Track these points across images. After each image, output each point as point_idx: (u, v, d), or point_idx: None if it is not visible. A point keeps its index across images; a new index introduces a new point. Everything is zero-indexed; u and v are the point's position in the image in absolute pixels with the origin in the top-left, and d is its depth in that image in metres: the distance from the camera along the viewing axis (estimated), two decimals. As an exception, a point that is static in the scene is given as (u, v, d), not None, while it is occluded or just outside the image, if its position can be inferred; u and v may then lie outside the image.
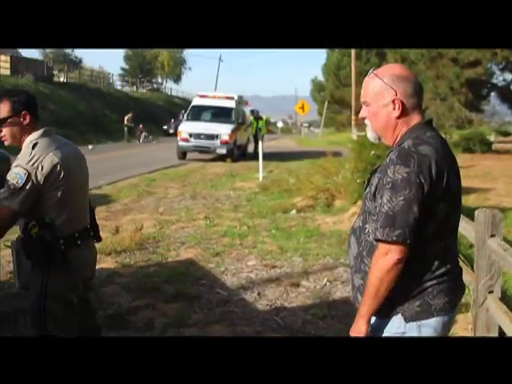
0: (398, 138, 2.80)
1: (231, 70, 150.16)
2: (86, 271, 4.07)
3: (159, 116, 57.55)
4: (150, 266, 8.30)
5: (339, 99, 57.85)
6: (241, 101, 30.84)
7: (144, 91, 72.29)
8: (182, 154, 27.15)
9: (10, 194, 3.61)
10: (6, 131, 3.83)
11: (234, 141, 27.04)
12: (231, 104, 28.64)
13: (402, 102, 2.75)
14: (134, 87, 71.26)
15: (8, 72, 42.06)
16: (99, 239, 4.26)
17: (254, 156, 24.15)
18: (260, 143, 20.51)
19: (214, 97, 29.72)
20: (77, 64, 62.11)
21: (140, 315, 6.30)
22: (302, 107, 43.31)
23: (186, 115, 29.63)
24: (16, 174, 3.63)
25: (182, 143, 26.94)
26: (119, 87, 67.43)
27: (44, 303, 3.77)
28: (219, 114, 28.03)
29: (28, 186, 3.62)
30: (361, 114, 2.92)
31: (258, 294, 7.09)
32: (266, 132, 31.07)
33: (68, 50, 71.83)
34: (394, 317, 2.77)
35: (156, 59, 77.97)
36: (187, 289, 7.13)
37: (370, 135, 2.95)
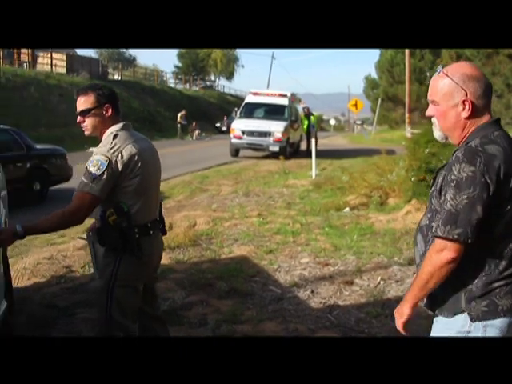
0: (466, 137, 2.76)
1: (284, 67, 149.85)
2: (155, 261, 4.24)
3: (212, 113, 57.86)
4: (203, 262, 8.35)
5: (393, 96, 57.33)
6: (294, 98, 30.76)
7: (197, 89, 72.73)
8: (235, 152, 27.23)
9: (90, 180, 3.76)
10: (88, 121, 3.99)
11: (287, 138, 26.99)
12: (284, 101, 28.57)
13: (472, 103, 2.70)
14: (187, 85, 71.75)
15: (64, 70, 42.80)
16: (164, 232, 4.39)
17: (307, 153, 24.06)
18: (313, 141, 20.42)
19: (267, 94, 29.71)
20: (131, 62, 62.75)
21: (193, 311, 6.34)
22: (355, 105, 43.07)
23: (239, 112, 29.66)
24: (97, 161, 3.78)
25: (234, 140, 27.01)
26: (172, 85, 68.00)
27: (112, 288, 3.93)
28: (272, 112, 27.99)
29: (108, 173, 3.78)
30: (427, 113, 2.87)
31: (312, 291, 7.08)
32: (319, 129, 30.91)
33: (122, 49, 72.70)
34: (459, 315, 2.74)
35: (209, 57, 78.23)
36: (240, 285, 7.16)
37: (437, 134, 2.90)
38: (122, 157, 3.85)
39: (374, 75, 65.06)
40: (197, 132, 41.70)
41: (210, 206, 13.11)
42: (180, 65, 79.86)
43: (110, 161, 3.80)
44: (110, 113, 4.01)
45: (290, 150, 27.44)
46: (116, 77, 55.21)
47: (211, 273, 7.70)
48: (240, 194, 15.06)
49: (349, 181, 14.48)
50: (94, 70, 45.85)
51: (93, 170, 3.76)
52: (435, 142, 10.61)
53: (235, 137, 26.99)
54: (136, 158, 3.92)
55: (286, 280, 7.54)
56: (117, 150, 3.86)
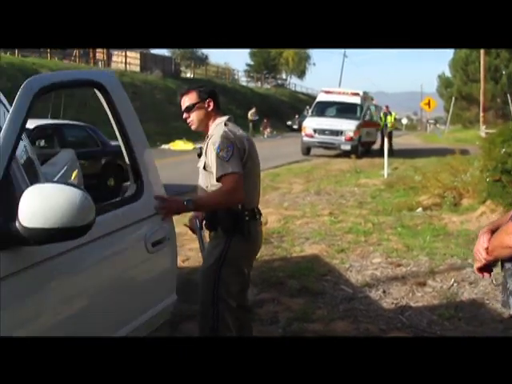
0: None
1: (356, 65, 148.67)
2: (258, 246, 4.52)
3: (283, 112, 57.92)
4: (274, 260, 8.37)
5: (467, 95, 56.35)
6: (366, 97, 30.54)
7: (268, 87, 72.94)
8: (307, 150, 27.22)
9: (226, 162, 3.99)
10: (193, 116, 4.29)
11: (359, 137, 26.84)
12: (356, 100, 28.43)
13: None
14: (259, 83, 72.00)
15: (137, 68, 43.51)
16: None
17: (381, 152, 23.83)
18: (386, 140, 20.23)
19: (340, 93, 29.62)
20: (203, 60, 63.31)
21: (265, 308, 6.37)
22: (428, 103, 42.42)
23: (310, 111, 29.64)
24: (223, 144, 4.02)
25: (306, 139, 27.00)
26: (244, 83, 68.32)
27: (220, 267, 4.16)
28: (344, 110, 27.89)
29: (237, 154, 4.04)
30: None
31: (383, 291, 7.02)
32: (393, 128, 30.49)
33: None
34: None
35: (280, 55, 78.28)
36: (311, 284, 7.14)
37: None
38: (236, 142, 4.09)
39: (448, 74, 64.03)
40: (268, 130, 41.82)
41: (282, 204, 13.13)
42: (252, 63, 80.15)
43: (232, 142, 4.05)
44: (212, 106, 4.28)
45: (362, 149, 27.27)
46: (188, 75, 55.81)
47: (282, 271, 7.71)
48: (311, 192, 15.03)
49: (421, 180, 14.29)
50: (167, 68, 46.45)
51: (222, 153, 4.00)
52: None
53: (307, 135, 26.98)
54: (246, 145, 4.19)
55: (358, 280, 7.50)
56: (231, 134, 4.12)
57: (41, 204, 2.53)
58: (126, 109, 3.65)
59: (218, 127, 4.20)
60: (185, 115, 4.31)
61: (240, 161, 4.06)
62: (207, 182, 4.21)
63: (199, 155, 4.38)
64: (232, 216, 4.15)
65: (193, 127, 4.37)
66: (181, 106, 4.31)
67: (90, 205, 2.59)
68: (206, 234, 4.52)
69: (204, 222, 4.40)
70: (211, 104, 4.28)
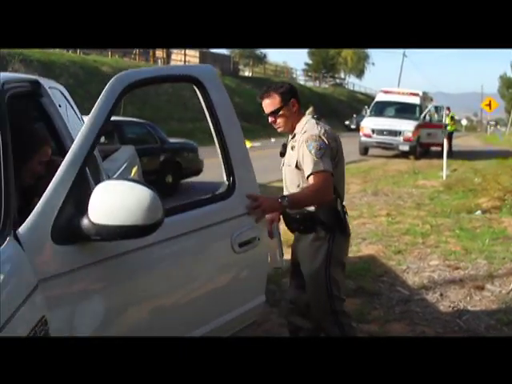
0: None
1: (415, 65, 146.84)
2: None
3: (341, 111, 57.71)
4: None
5: (530, 97, 55.28)
6: (426, 97, 30.19)
7: (326, 86, 72.68)
8: (364, 150, 27.06)
9: (317, 160, 3.99)
10: (280, 120, 4.28)
11: (418, 138, 26.56)
12: (416, 100, 28.13)
13: None
14: (317, 82, 71.80)
15: (197, 66, 43.75)
16: None
17: (439, 154, 23.53)
18: (445, 141, 19.97)
19: (399, 93, 29.35)
20: (261, 59, 63.36)
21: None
22: (489, 104, 41.66)
23: (369, 111, 29.41)
24: (315, 142, 4.03)
25: (364, 139, 26.86)
26: (302, 82, 68.20)
27: (329, 268, 4.21)
28: (403, 111, 27.62)
29: (328, 152, 4.04)
30: None
31: (440, 294, 6.93)
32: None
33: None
34: None
35: (339, 54, 77.88)
36: (368, 285, 7.11)
37: None
38: (329, 140, 4.08)
39: (510, 74, 62.93)
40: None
41: (339, 203, 13.02)
42: (310, 62, 79.91)
43: (324, 141, 4.04)
44: (296, 106, 4.28)
45: (420, 150, 26.97)
46: (247, 73, 55.99)
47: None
48: (369, 192, 14.94)
49: (481, 183, 14.12)
50: (226, 66, 46.65)
51: (315, 151, 3.99)
52: None
53: (365, 135, 26.83)
54: (337, 142, 4.21)
55: (415, 282, 7.43)
56: (325, 132, 4.11)
57: (110, 201, 2.57)
58: (223, 104, 3.62)
59: (308, 124, 4.19)
60: (270, 119, 4.29)
61: (332, 160, 4.06)
62: (298, 180, 4.21)
63: (282, 154, 4.42)
64: (334, 214, 4.19)
65: (279, 130, 4.37)
66: (261, 106, 4.30)
67: (158, 204, 2.61)
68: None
69: (298, 225, 4.36)
70: (295, 104, 4.26)
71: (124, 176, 5.70)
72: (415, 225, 10.78)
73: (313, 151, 3.98)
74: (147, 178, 9.84)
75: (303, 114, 4.31)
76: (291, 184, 4.28)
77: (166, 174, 13.94)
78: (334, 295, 4.25)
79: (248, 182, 3.68)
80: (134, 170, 6.86)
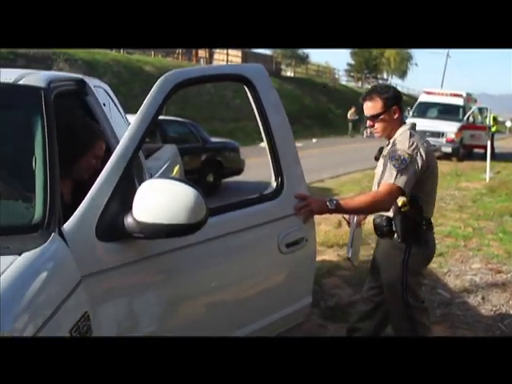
0: None
1: (458, 66, 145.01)
2: (433, 254, 4.51)
3: (383, 112, 57.25)
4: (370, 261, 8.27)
5: None
6: (469, 98, 29.84)
7: (369, 87, 72.15)
8: (406, 151, 26.80)
9: (396, 172, 3.96)
10: (378, 125, 4.24)
11: (461, 139, 26.27)
12: (459, 101, 27.82)
13: None
14: (359, 83, 71.45)
15: (239, 66, 43.84)
16: None
17: (484, 156, 23.24)
18: (489, 143, 19.72)
19: (442, 94, 29.05)
20: (304, 59, 63.19)
21: (358, 309, 6.32)
22: (535, 106, 41.14)
23: (411, 112, 29.15)
24: (399, 156, 4.00)
25: (406, 140, 26.60)
26: (344, 82, 67.93)
27: (406, 277, 4.20)
28: (446, 112, 27.31)
29: (411, 169, 3.99)
30: None
31: (482, 298, 6.87)
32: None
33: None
34: None
35: (382, 55, 77.34)
36: (408, 287, 7.04)
37: None
38: (421, 154, 4.04)
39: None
40: (367, 130, 41.49)
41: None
42: (352, 62, 79.50)
43: (411, 157, 4.00)
44: (397, 114, 4.23)
45: (463, 152, 26.68)
46: (289, 73, 55.92)
47: (345, 269, 7.65)
48: (410, 194, 14.76)
49: (526, 186, 13.91)
50: (268, 66, 46.57)
51: (396, 163, 3.97)
52: None
53: (407, 136, 26.58)
54: (430, 156, 4.15)
55: (456, 285, 7.36)
56: (416, 147, 4.05)
57: (154, 199, 2.60)
58: (273, 104, 3.60)
59: (403, 136, 4.16)
60: (369, 123, 4.28)
61: (415, 175, 4.01)
62: None
63: (376, 158, 4.45)
64: (410, 224, 4.13)
65: (376, 135, 4.35)
66: (363, 107, 4.28)
67: (201, 203, 2.60)
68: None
69: (376, 227, 4.36)
70: (397, 112, 4.23)
71: (166, 175, 5.74)
72: (457, 227, 10.68)
73: (393, 162, 3.97)
74: (189, 177, 9.89)
75: (403, 123, 4.28)
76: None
77: (208, 173, 14.01)
78: (411, 304, 4.24)
79: (297, 182, 3.65)
80: (176, 168, 6.90)
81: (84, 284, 2.51)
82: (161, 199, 2.59)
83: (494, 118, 29.15)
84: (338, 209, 3.87)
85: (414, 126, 4.34)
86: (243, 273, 3.43)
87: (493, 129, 27.38)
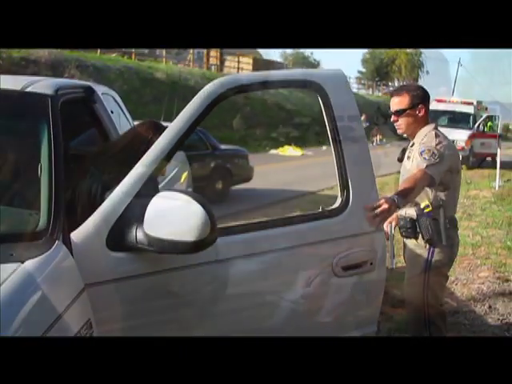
0: None
1: (470, 74, 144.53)
2: (457, 252, 4.58)
3: (394, 119, 57.09)
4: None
5: None
6: (480, 107, 29.75)
7: (380, 94, 72.09)
8: (416, 159, 26.72)
9: (426, 163, 3.99)
10: (402, 121, 4.32)
11: (471, 147, 26.17)
12: (469, 109, 27.73)
13: None
14: (370, 90, 71.34)
15: (250, 73, 43.86)
16: None
17: (493, 164, 23.15)
18: (498, 150, 19.64)
19: (452, 101, 28.96)
20: (315, 66, 63.14)
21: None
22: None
23: (422, 120, 29.06)
24: (429, 151, 4.04)
25: (416, 147, 26.52)
26: (355, 90, 67.84)
27: (428, 276, 4.23)
28: (456, 120, 27.22)
29: (441, 163, 4.02)
30: None
31: (489, 307, 6.84)
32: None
33: (307, 53, 73.45)
34: None
35: (393, 62, 77.23)
36: (415, 295, 7.02)
37: None
38: (447, 153, 4.10)
39: None
40: (378, 137, 41.35)
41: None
42: (363, 70, 79.46)
43: (440, 153, 4.05)
44: (422, 113, 4.29)
45: (474, 160, 26.55)
46: (300, 81, 55.91)
47: (387, 280, 7.60)
48: (418, 202, 14.71)
49: (535, 194, 13.86)
50: (279, 73, 46.64)
51: (426, 156, 4.00)
52: None
53: (417, 143, 26.50)
54: (455, 155, 4.27)
55: (463, 293, 7.34)
56: (442, 146, 4.09)
57: (163, 213, 2.56)
58: (345, 112, 3.29)
59: (427, 137, 4.19)
60: (393, 118, 4.33)
61: (440, 171, 4.03)
62: None
63: (399, 160, 4.50)
64: (434, 224, 4.17)
65: (399, 131, 4.40)
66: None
67: (206, 222, 2.50)
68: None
69: (400, 228, 4.39)
70: (422, 111, 4.26)
71: (172, 182, 5.75)
72: (465, 235, 10.62)
73: (425, 157, 4.00)
74: (197, 185, 9.94)
75: (428, 123, 4.31)
76: None
77: (217, 181, 14.04)
78: (430, 304, 4.26)
79: (366, 198, 3.35)
80: (184, 175, 6.94)
81: (88, 292, 2.52)
82: (169, 214, 2.55)
83: (506, 126, 29.04)
84: (403, 201, 3.66)
85: (436, 125, 4.38)
86: (284, 292, 3.20)
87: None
